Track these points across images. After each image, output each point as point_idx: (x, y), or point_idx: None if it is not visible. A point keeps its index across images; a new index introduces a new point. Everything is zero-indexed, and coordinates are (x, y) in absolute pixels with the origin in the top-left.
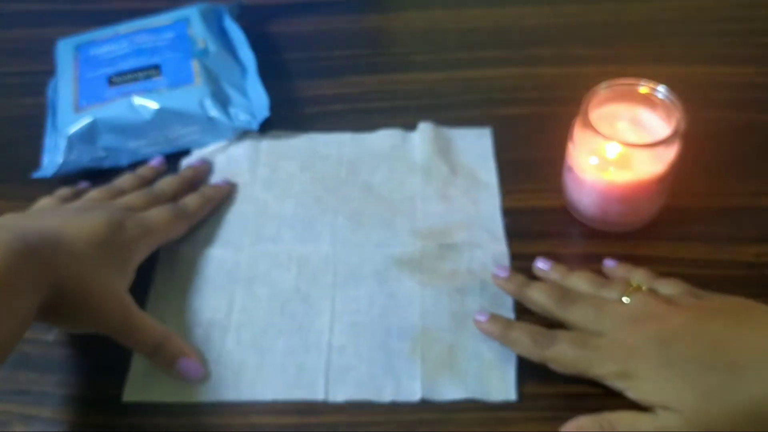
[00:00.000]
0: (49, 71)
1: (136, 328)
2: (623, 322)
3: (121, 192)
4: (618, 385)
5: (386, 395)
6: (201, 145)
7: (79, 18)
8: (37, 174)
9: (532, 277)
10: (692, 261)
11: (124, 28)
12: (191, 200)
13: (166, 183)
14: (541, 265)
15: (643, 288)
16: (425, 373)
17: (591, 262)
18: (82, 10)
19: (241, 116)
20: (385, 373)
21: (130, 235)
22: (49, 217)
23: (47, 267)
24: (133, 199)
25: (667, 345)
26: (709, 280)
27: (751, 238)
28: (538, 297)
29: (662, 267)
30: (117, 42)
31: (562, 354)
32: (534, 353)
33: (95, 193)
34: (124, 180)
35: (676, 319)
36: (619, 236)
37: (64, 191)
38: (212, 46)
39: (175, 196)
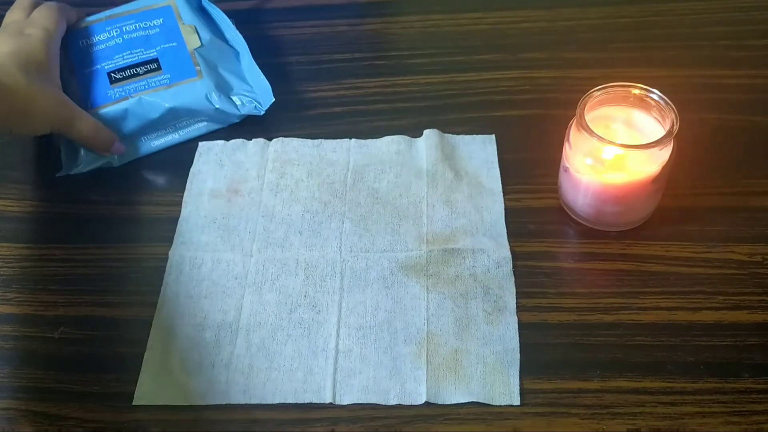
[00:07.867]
0: None
1: (78, 119)
2: None
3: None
4: None
5: (392, 399)
6: (210, 130)
7: None
8: (60, 173)
9: (530, 275)
10: (686, 260)
11: (105, 15)
12: None
13: None
14: None
15: None
16: (430, 377)
17: (586, 261)
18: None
19: (247, 104)
20: (390, 376)
21: (35, 37)
22: None
23: None
24: (15, 14)
25: None
26: (702, 278)
27: (743, 237)
28: None
29: (657, 266)
30: (105, 30)
31: None
32: None
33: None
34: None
35: None
36: (615, 236)
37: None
38: (204, 34)
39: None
